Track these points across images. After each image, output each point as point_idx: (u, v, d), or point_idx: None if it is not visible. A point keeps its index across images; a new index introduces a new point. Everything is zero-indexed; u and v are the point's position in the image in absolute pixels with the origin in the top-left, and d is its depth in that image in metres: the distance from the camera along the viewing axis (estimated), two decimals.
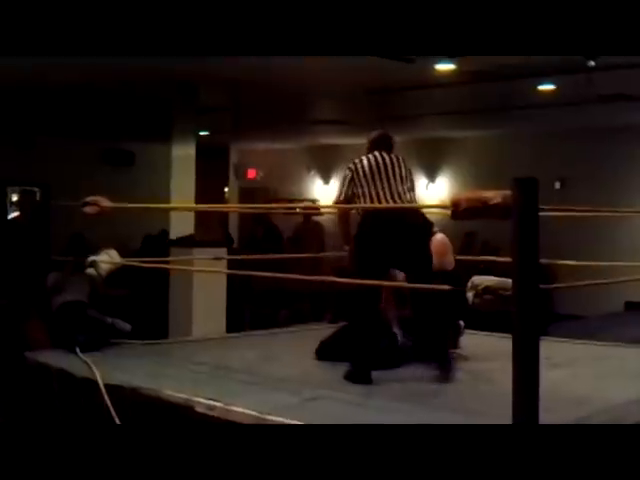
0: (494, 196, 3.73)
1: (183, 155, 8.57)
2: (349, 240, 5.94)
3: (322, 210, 13.24)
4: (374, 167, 5.71)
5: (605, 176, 12.33)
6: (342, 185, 5.77)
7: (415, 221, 5.64)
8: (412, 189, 5.80)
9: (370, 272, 5.35)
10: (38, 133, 12.47)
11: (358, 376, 5.38)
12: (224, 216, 9.08)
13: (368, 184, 5.66)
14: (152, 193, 8.33)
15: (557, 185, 12.63)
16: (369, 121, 11.71)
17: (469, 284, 3.87)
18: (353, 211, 5.98)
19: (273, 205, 10.79)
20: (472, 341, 6.53)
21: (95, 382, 5.52)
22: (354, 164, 5.77)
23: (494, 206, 3.73)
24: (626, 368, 6.10)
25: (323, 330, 6.89)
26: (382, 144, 5.96)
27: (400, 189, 5.69)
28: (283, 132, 13.33)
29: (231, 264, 8.19)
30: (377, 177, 5.69)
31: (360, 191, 5.68)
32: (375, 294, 5.57)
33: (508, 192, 3.62)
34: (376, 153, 5.83)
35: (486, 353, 5.66)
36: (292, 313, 9.58)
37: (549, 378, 3.55)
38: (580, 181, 12.34)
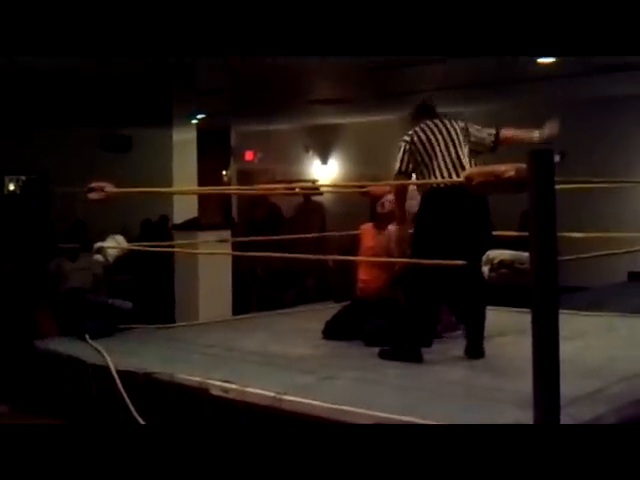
0: (507, 169, 3.71)
1: (184, 139, 8.52)
2: (404, 219, 5.64)
3: (322, 190, 13.17)
4: (432, 136, 5.42)
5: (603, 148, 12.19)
6: (400, 158, 5.44)
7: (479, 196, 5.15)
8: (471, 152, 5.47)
9: (438, 254, 4.94)
10: (34, 122, 12.39)
11: (411, 354, 5.29)
12: (227, 199, 9.04)
13: (428, 154, 5.37)
14: (151, 178, 8.27)
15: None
16: (367, 99, 11.67)
17: (484, 258, 3.85)
18: (412, 187, 5.68)
19: (274, 186, 10.69)
20: None
21: (107, 368, 5.52)
22: (409, 135, 5.48)
23: (508, 179, 3.71)
24: (636, 338, 6.13)
25: (328, 310, 6.91)
26: (428, 112, 5.66)
27: (462, 158, 5.37)
28: (280, 113, 13.25)
29: (233, 247, 8.18)
30: (437, 146, 5.38)
31: (421, 162, 5.39)
32: (438, 275, 5.19)
33: (522, 165, 3.61)
34: (428, 122, 5.53)
35: (494, 328, 5.65)
36: (297, 294, 9.57)
37: (561, 351, 3.54)
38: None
